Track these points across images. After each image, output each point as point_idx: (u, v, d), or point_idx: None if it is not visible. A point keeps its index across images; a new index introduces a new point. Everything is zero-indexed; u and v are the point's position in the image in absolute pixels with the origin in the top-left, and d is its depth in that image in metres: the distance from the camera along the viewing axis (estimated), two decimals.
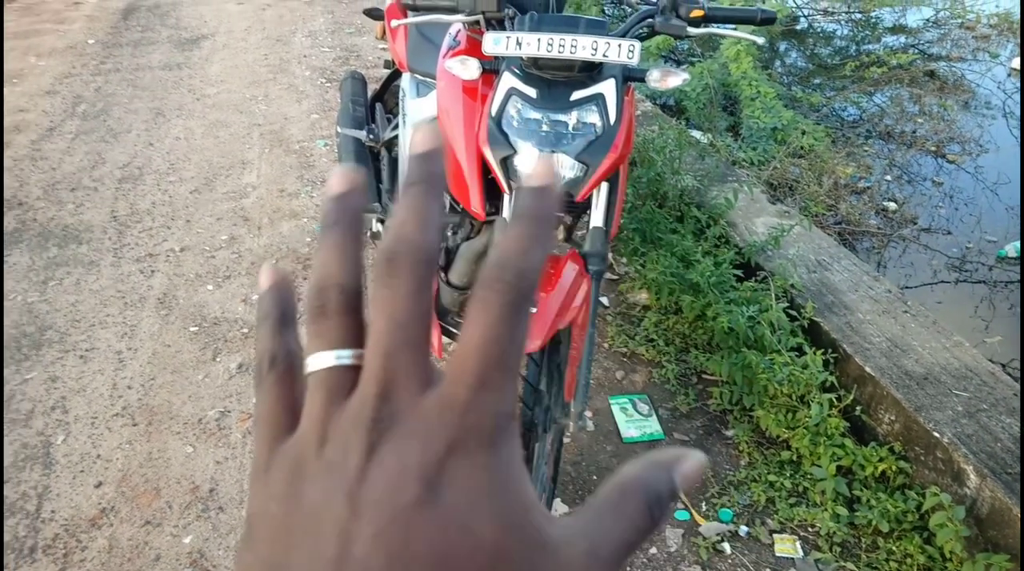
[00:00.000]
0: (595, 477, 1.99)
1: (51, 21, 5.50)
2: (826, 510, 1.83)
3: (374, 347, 0.24)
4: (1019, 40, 5.78)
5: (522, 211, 0.25)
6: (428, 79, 2.17)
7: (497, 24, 1.61)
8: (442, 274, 1.96)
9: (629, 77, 1.56)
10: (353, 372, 0.25)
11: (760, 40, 1.53)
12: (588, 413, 2.19)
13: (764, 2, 5.73)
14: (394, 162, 2.50)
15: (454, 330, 2.07)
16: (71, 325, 2.47)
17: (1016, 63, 5.31)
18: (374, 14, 2.73)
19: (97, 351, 2.37)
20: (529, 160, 1.49)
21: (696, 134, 3.79)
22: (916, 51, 5.55)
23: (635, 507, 0.25)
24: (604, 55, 1.42)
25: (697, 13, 1.52)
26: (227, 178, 3.42)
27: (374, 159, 2.60)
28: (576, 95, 1.50)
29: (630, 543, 0.25)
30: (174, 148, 3.68)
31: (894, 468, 1.82)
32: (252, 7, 5.93)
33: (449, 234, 1.96)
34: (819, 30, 6.31)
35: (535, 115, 1.49)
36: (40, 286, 2.65)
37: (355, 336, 0.26)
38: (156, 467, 1.97)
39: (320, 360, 0.25)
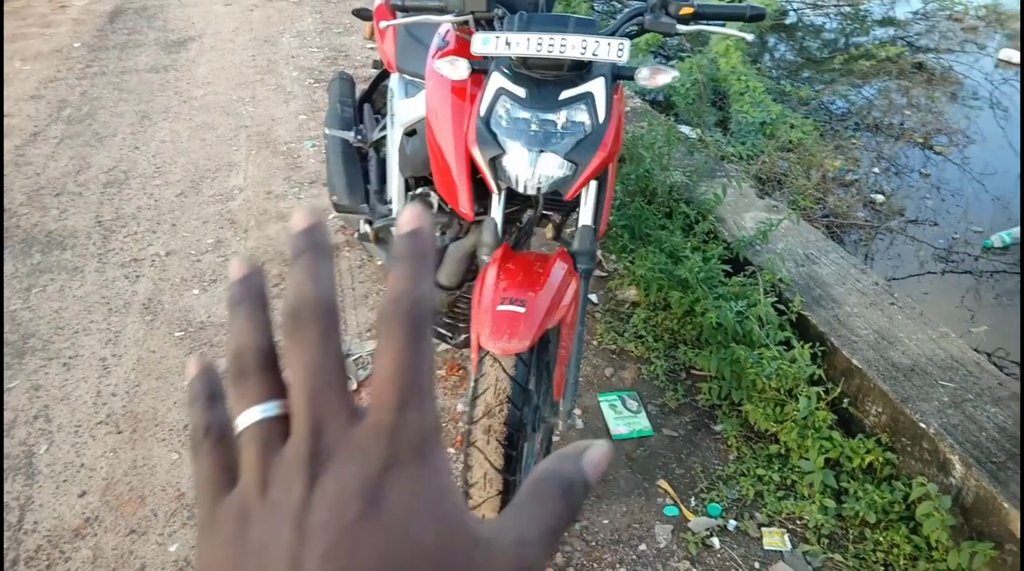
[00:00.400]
0: None
1: (37, 25, 5.47)
2: (814, 502, 1.83)
3: (298, 393, 0.27)
4: (1015, 33, 5.79)
5: (401, 253, 0.28)
6: (417, 79, 2.16)
7: (486, 24, 1.60)
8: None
9: (618, 75, 1.56)
10: (282, 422, 0.27)
11: (749, 37, 1.53)
12: (577, 411, 2.18)
13: None
14: (382, 163, 2.49)
15: (443, 331, 2.07)
16: (54, 332, 2.46)
17: (1004, 54, 5.33)
18: (363, 14, 2.72)
19: (81, 358, 2.35)
20: (517, 160, 1.49)
21: (685, 129, 3.79)
22: (904, 43, 5.56)
23: (552, 496, 0.27)
24: (593, 54, 1.42)
25: (686, 10, 1.52)
26: (213, 181, 3.41)
27: (362, 160, 2.59)
28: (565, 94, 1.50)
29: (554, 529, 0.27)
30: (160, 151, 3.66)
31: (881, 459, 1.82)
32: (240, 8, 5.90)
33: (438, 234, 1.95)
34: (808, 23, 6.31)
35: (524, 115, 1.48)
36: (23, 293, 2.64)
37: (277, 389, 0.28)
38: (141, 475, 1.96)
39: (248, 417, 0.28)
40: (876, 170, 3.87)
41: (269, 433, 0.27)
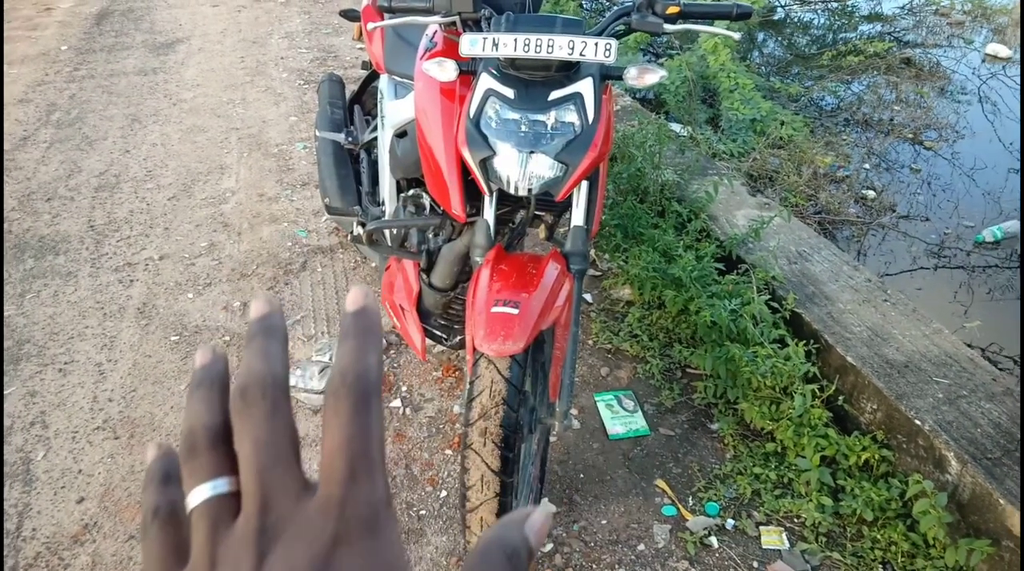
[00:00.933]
0: (582, 475, 2.00)
1: (22, 28, 5.42)
2: (811, 500, 1.84)
3: (246, 469, 0.27)
4: (1001, 28, 5.83)
5: (347, 330, 0.29)
6: (406, 80, 2.15)
7: (474, 25, 1.60)
8: (424, 277, 1.95)
9: (607, 75, 1.56)
10: (233, 498, 0.27)
11: (736, 35, 1.53)
12: (573, 412, 2.19)
13: None
14: (373, 164, 2.49)
15: (438, 333, 2.07)
16: (49, 338, 2.44)
17: (990, 49, 5.36)
18: (350, 15, 2.72)
19: (76, 364, 2.34)
20: (507, 161, 1.49)
21: (676, 127, 3.80)
22: (892, 39, 5.59)
23: (497, 563, 0.27)
24: (581, 54, 1.42)
25: (673, 9, 1.52)
26: (205, 184, 3.39)
27: (353, 161, 2.59)
28: (554, 95, 1.50)
29: None
30: (151, 155, 3.65)
31: (877, 457, 1.84)
32: (227, 9, 5.88)
33: (431, 236, 1.95)
34: (796, 20, 6.34)
35: (513, 115, 1.48)
36: (17, 299, 2.62)
37: (229, 466, 0.28)
38: (139, 480, 1.95)
39: (198, 495, 0.28)
40: (867, 166, 3.89)
41: (219, 510, 0.27)
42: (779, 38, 6.07)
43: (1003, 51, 5.27)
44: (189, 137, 3.83)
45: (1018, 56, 5.29)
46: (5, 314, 2.55)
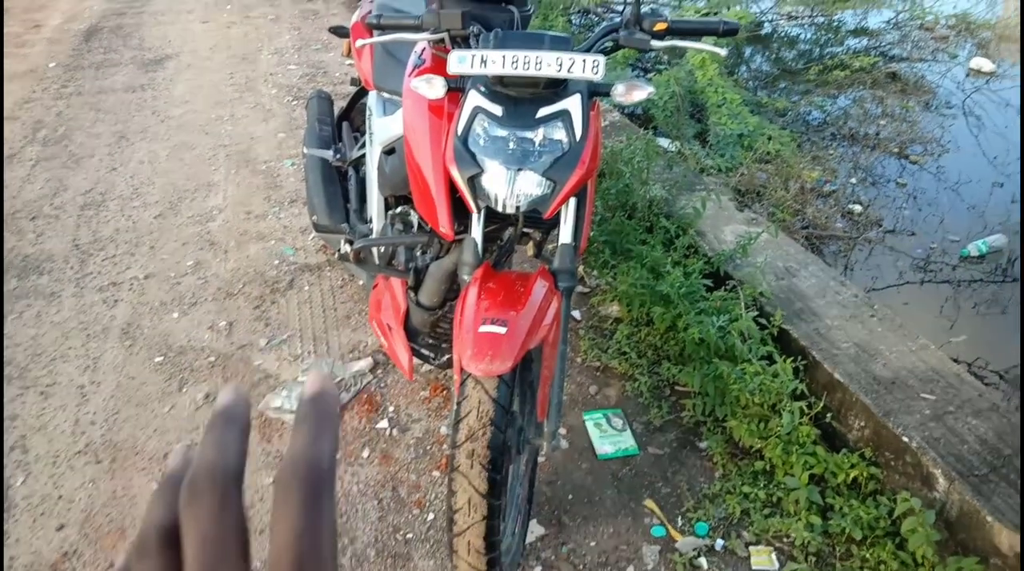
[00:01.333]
0: (571, 496, 1.98)
1: (11, 45, 5.41)
2: (800, 520, 1.83)
3: (191, 568, 0.26)
4: (984, 42, 5.89)
5: (303, 416, 0.28)
6: (394, 97, 2.15)
7: (462, 42, 1.60)
8: (412, 295, 1.94)
9: (594, 92, 1.56)
10: None
11: (723, 52, 1.54)
12: (562, 431, 2.18)
13: (729, 9, 5.80)
14: (361, 181, 2.48)
15: (425, 352, 2.06)
16: (31, 360, 2.42)
17: (974, 63, 5.41)
18: (339, 32, 2.72)
19: (59, 386, 2.32)
20: (495, 178, 1.48)
21: (664, 142, 3.81)
22: (878, 53, 5.64)
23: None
24: (569, 71, 1.42)
25: (660, 26, 1.52)
26: (192, 201, 3.38)
27: (341, 178, 2.58)
28: (542, 112, 1.50)
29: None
30: (138, 172, 3.63)
31: (865, 474, 1.83)
32: (217, 26, 5.88)
33: (418, 254, 1.94)
34: (783, 34, 6.39)
35: (502, 133, 1.48)
36: None
37: (177, 567, 0.27)
38: (121, 506, 1.93)
39: None
40: (853, 180, 3.91)
41: None
42: (766, 53, 6.12)
43: (987, 65, 5.33)
44: (177, 154, 3.81)
45: (1002, 70, 5.34)
46: None
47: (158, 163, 3.73)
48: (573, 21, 6.07)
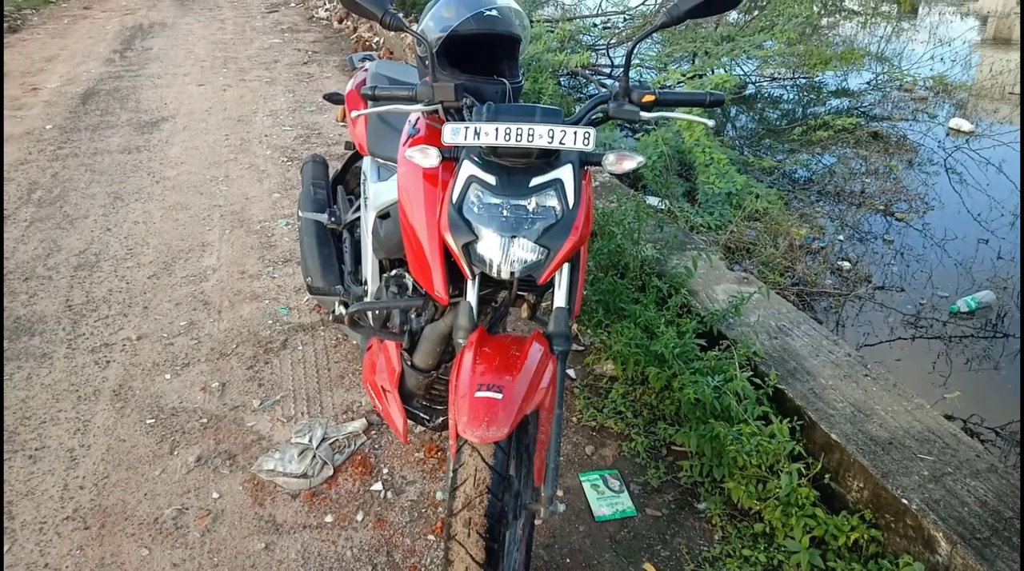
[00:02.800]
0: (568, 560, 1.95)
1: (9, 107, 5.48)
2: None
3: None
4: (963, 102, 6.06)
5: None
6: (388, 163, 2.19)
7: (455, 113, 1.64)
8: (407, 357, 1.94)
9: (586, 161, 1.59)
10: None
11: (710, 123, 1.58)
12: (559, 493, 2.16)
13: (713, 72, 5.96)
14: (356, 244, 2.50)
15: (420, 414, 2.05)
16: (20, 423, 2.38)
17: (954, 123, 5.57)
18: (334, 98, 2.78)
19: (48, 449, 2.28)
20: (490, 245, 1.50)
21: (653, 201, 3.88)
22: (859, 113, 5.79)
23: None
24: (560, 143, 1.45)
25: (649, 98, 1.57)
26: (186, 261, 3.39)
27: (336, 241, 2.60)
28: (535, 181, 1.52)
29: None
30: (132, 233, 3.65)
31: (866, 537, 1.81)
32: (213, 88, 5.99)
33: (413, 317, 1.95)
34: (767, 95, 6.56)
35: (495, 201, 1.50)
36: None
37: None
38: None
39: None
40: (841, 237, 3.97)
41: None
42: (750, 113, 6.27)
43: (965, 125, 5.48)
44: (171, 214, 3.84)
45: (980, 130, 5.49)
46: None
47: (152, 223, 3.75)
48: (562, 83, 6.22)
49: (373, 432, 2.37)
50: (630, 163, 1.57)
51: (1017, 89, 6.37)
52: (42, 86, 6.04)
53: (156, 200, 4.00)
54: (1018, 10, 8.64)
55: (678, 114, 1.69)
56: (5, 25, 7.88)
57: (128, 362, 2.70)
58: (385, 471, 2.23)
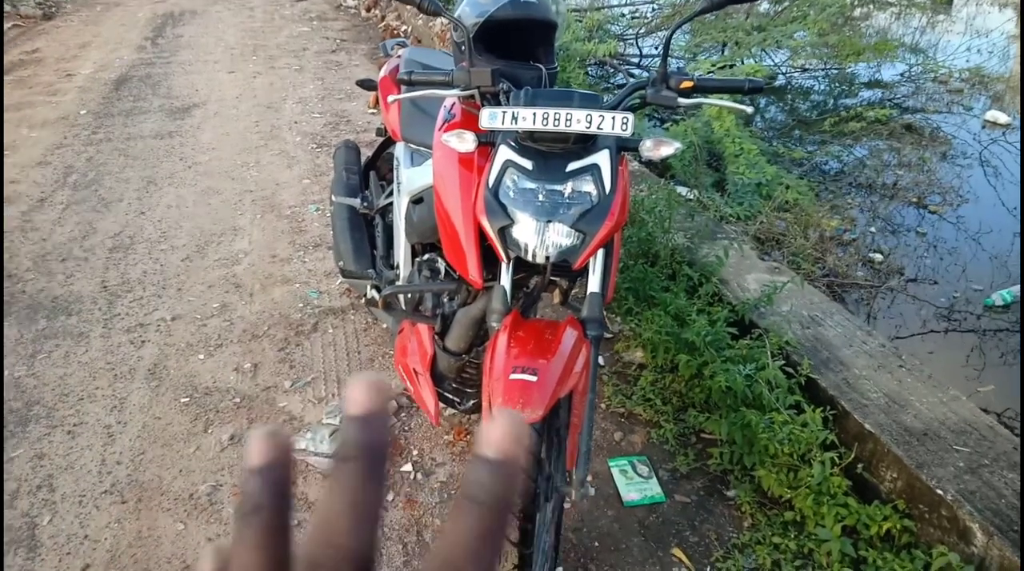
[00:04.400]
0: (596, 544, 1.96)
1: (43, 93, 5.57)
2: None
3: None
4: (1000, 94, 5.95)
5: (475, 493, 0.21)
6: (422, 148, 2.20)
7: (492, 98, 1.65)
8: (439, 340, 1.95)
9: (623, 147, 1.59)
10: None
11: (749, 109, 1.57)
12: (588, 478, 2.16)
13: (743, 62, 5.90)
14: (388, 228, 2.52)
15: (451, 396, 2.06)
16: (59, 400, 2.43)
17: (990, 115, 5.46)
18: (366, 84, 2.79)
19: (85, 426, 2.33)
20: (526, 229, 1.51)
21: (682, 191, 3.85)
22: (892, 105, 5.70)
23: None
24: (598, 128, 1.45)
25: (687, 84, 1.56)
26: (219, 245, 3.43)
27: (368, 226, 2.62)
28: (571, 166, 1.53)
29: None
30: (165, 216, 3.70)
31: (899, 527, 1.80)
32: (243, 76, 6.03)
33: (446, 301, 1.96)
34: (798, 86, 6.48)
35: (531, 186, 1.51)
36: (28, 360, 2.62)
37: None
38: (146, 546, 1.92)
39: None
40: (872, 229, 3.92)
41: None
42: (781, 104, 6.20)
43: (1002, 118, 5.37)
44: (203, 199, 3.89)
45: (1016, 122, 5.38)
46: (16, 375, 2.55)
47: (185, 207, 3.79)
48: (590, 73, 6.19)
49: (403, 414, 2.40)
50: (667, 149, 1.57)
51: None
52: (76, 72, 6.12)
53: (188, 185, 4.05)
54: None
55: (716, 100, 1.68)
56: (40, 12, 7.99)
57: (163, 342, 2.74)
58: (415, 453, 2.25)
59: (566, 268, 1.60)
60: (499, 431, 0.22)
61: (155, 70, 6.18)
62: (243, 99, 5.47)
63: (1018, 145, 4.95)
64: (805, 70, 6.56)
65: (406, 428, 2.34)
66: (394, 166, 2.40)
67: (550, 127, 1.47)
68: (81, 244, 3.42)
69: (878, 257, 3.64)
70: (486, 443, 0.22)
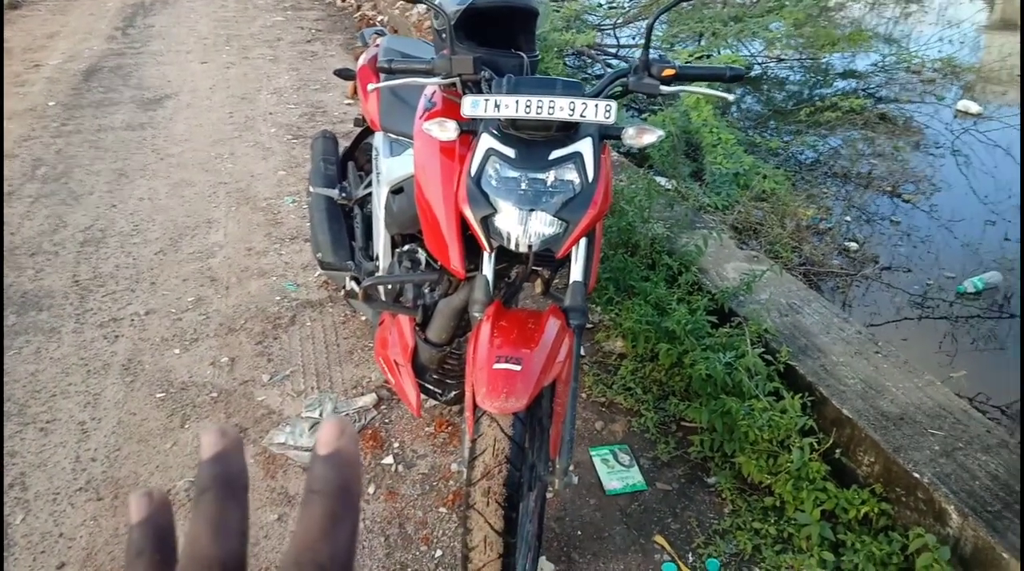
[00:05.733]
0: (579, 532, 1.96)
1: (11, 84, 5.44)
2: (812, 556, 1.81)
3: None
4: (971, 85, 6.03)
5: (317, 485, 0.23)
6: (401, 138, 2.18)
7: (473, 86, 1.63)
8: (420, 332, 1.94)
9: (605, 135, 1.59)
10: None
11: (731, 97, 1.57)
12: (570, 467, 2.16)
13: (719, 52, 5.92)
14: (367, 219, 2.49)
15: (432, 388, 2.05)
16: (30, 396, 2.39)
17: (961, 105, 5.54)
18: (345, 74, 2.76)
19: (58, 422, 2.29)
20: (508, 218, 1.50)
21: (661, 181, 3.86)
22: (867, 94, 5.75)
23: None
24: (581, 115, 1.45)
25: (669, 72, 1.56)
26: (193, 238, 3.38)
27: (346, 217, 2.59)
28: (554, 154, 1.52)
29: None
30: (138, 209, 3.63)
31: (876, 510, 1.82)
32: (216, 66, 5.95)
33: (427, 291, 1.95)
34: (773, 76, 6.52)
35: (513, 174, 1.50)
36: None
37: None
38: (123, 544, 1.89)
39: None
40: (848, 218, 3.97)
41: None
42: (757, 94, 6.24)
43: (973, 107, 5.45)
44: (177, 191, 3.83)
45: (988, 112, 5.46)
46: None
47: (158, 200, 3.74)
48: (567, 63, 6.18)
49: (383, 407, 2.38)
50: (650, 137, 1.56)
51: None
52: (44, 63, 6.00)
53: (161, 177, 3.98)
54: None
55: (698, 88, 1.68)
56: (5, 1, 7.81)
57: (137, 337, 2.70)
58: (396, 445, 2.24)
59: (549, 257, 1.59)
60: (328, 430, 0.25)
61: (126, 60, 6.07)
62: (216, 90, 5.39)
63: (989, 134, 5.03)
64: (781, 60, 6.60)
65: (386, 421, 2.33)
66: (373, 156, 2.37)
67: (533, 115, 1.46)
68: (51, 238, 3.36)
69: (853, 246, 3.68)
70: (319, 443, 0.25)
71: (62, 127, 4.66)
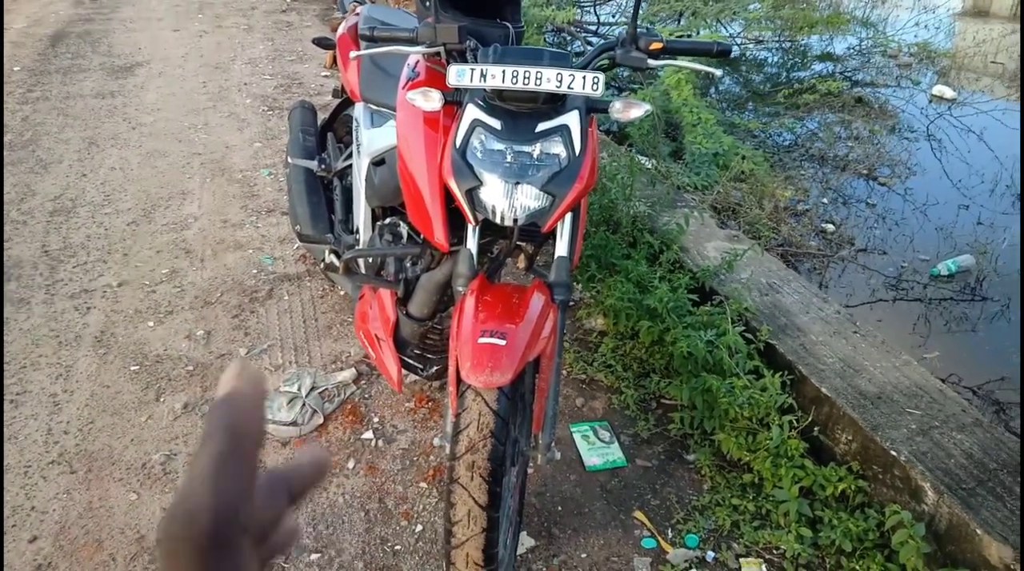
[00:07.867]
0: (560, 508, 1.97)
1: None
2: (790, 532, 1.84)
3: None
4: (945, 70, 6.09)
5: (209, 429, 0.23)
6: (382, 109, 2.14)
7: (458, 56, 1.60)
8: (402, 306, 1.92)
9: (592, 108, 1.57)
10: None
11: (718, 71, 1.56)
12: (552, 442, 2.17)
13: (699, 32, 5.91)
14: (346, 191, 2.46)
15: (414, 363, 2.03)
16: None
17: (936, 90, 5.60)
18: (324, 43, 2.70)
19: (29, 395, 2.23)
20: (494, 191, 1.48)
21: (642, 159, 3.86)
22: (844, 77, 5.79)
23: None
24: (569, 87, 1.42)
25: (656, 46, 1.54)
26: (167, 209, 3.31)
27: (326, 189, 2.55)
28: (541, 127, 1.50)
29: None
30: (109, 179, 3.55)
31: (853, 487, 1.85)
32: (188, 34, 5.80)
33: (409, 265, 1.92)
34: (752, 58, 6.53)
35: (499, 146, 1.47)
36: None
37: None
38: (97, 517, 1.86)
39: None
40: (825, 200, 4.00)
41: None
42: (736, 76, 6.24)
43: (948, 92, 5.51)
44: (149, 162, 3.74)
45: (962, 98, 5.53)
46: None
47: (130, 170, 3.65)
48: (548, 39, 6.12)
49: (363, 382, 2.36)
50: (637, 111, 1.55)
51: (999, 58, 6.41)
52: (8, 26, 5.80)
53: (133, 146, 3.89)
54: None
55: (685, 63, 1.66)
56: None
57: (109, 309, 2.64)
58: (376, 420, 2.22)
59: (533, 232, 1.58)
60: (227, 373, 0.25)
61: (94, 27, 5.90)
62: (189, 59, 5.26)
63: (963, 120, 5.09)
64: (759, 42, 6.61)
65: (366, 396, 2.31)
66: (353, 127, 2.33)
67: (519, 86, 1.44)
68: (19, 207, 3.26)
69: (830, 227, 3.71)
70: (219, 387, 0.25)
71: (28, 94, 4.53)
